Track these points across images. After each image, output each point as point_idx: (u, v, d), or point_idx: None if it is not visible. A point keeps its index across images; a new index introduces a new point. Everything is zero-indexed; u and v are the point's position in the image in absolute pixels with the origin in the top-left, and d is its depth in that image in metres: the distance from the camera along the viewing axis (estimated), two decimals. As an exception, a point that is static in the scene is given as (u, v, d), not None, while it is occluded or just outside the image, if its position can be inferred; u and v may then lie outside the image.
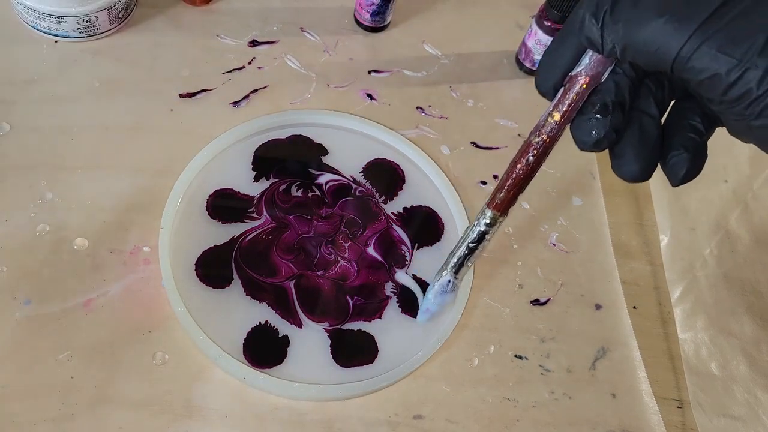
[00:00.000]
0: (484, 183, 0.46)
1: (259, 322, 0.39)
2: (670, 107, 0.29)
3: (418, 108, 0.49)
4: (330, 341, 0.39)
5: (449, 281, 0.36)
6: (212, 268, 0.40)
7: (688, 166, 0.28)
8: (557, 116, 0.28)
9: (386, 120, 0.47)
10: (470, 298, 0.41)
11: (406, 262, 0.42)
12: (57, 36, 0.46)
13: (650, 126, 0.28)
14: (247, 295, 0.40)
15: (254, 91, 0.47)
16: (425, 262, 0.42)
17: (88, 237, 0.40)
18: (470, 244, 0.34)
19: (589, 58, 0.27)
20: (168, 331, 0.38)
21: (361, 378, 0.38)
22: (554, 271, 0.44)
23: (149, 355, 0.37)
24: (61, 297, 0.38)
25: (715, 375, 0.42)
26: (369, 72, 0.50)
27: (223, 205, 0.42)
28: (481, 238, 0.34)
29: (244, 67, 0.48)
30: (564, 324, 0.42)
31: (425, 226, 0.44)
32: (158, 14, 0.49)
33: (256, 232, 0.41)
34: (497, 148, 0.48)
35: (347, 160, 0.45)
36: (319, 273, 0.41)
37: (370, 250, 0.42)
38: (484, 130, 0.49)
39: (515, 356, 0.41)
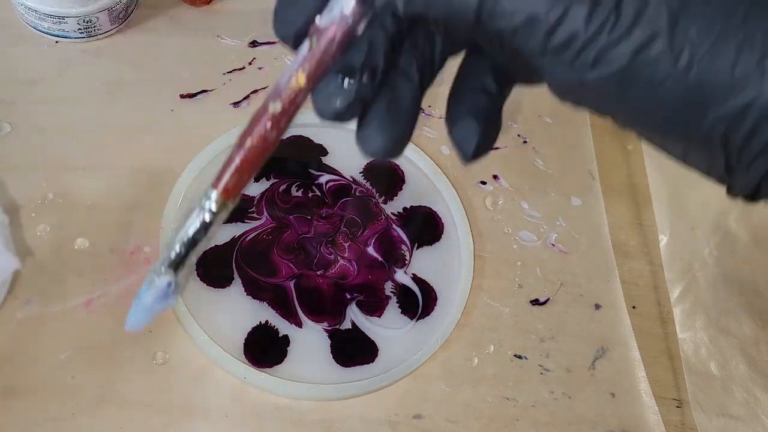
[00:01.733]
0: (484, 183, 0.46)
1: (260, 322, 0.39)
2: (459, 66, 0.24)
3: (418, 108, 0.49)
4: (330, 341, 0.39)
5: (170, 283, 0.27)
6: (213, 268, 0.40)
7: (478, 139, 0.23)
8: (302, 79, 0.22)
9: (386, 120, 0.47)
10: (470, 297, 0.41)
11: (406, 262, 0.42)
12: (58, 36, 0.46)
13: (404, 92, 0.22)
14: (247, 294, 0.40)
15: (255, 91, 0.47)
16: (425, 262, 0.43)
17: (89, 237, 0.40)
18: (194, 237, 0.26)
19: (341, 5, 0.21)
20: (168, 331, 0.38)
21: (361, 377, 0.38)
22: (554, 270, 0.44)
23: (150, 355, 0.37)
24: (61, 297, 0.38)
25: (714, 375, 0.42)
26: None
27: (224, 205, 0.42)
28: (206, 227, 0.26)
29: (244, 67, 0.48)
30: (563, 324, 0.42)
31: (425, 226, 0.44)
32: (159, 15, 0.49)
33: (257, 232, 0.42)
34: (497, 148, 0.48)
35: (347, 160, 0.45)
36: (318, 273, 0.41)
37: (370, 250, 0.42)
38: (483, 131, 0.49)
39: (515, 356, 0.41)
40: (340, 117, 0.22)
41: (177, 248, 0.26)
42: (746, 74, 0.18)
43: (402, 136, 0.23)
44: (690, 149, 0.22)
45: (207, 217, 0.25)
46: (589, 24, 0.18)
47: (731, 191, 0.21)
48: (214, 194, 0.25)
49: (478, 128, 0.23)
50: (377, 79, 0.22)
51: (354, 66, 0.21)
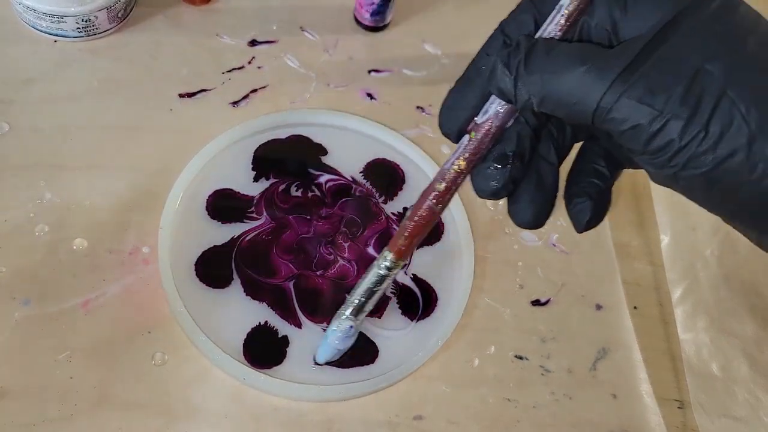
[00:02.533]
0: (485, 183, 0.46)
1: (259, 323, 0.39)
2: (578, 149, 0.29)
3: (418, 108, 0.49)
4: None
5: (351, 326, 0.36)
6: (212, 269, 0.40)
7: (590, 214, 0.27)
8: (463, 164, 0.27)
9: (386, 120, 0.47)
10: (470, 298, 0.41)
11: (407, 262, 0.42)
12: (56, 35, 0.46)
13: (547, 173, 0.28)
14: (246, 295, 0.39)
15: (254, 90, 0.47)
16: (425, 262, 0.42)
17: (87, 237, 0.40)
18: (372, 288, 0.34)
19: (496, 107, 0.26)
20: (167, 332, 0.38)
21: (361, 378, 0.38)
22: (555, 271, 0.44)
23: (148, 356, 0.37)
24: (60, 297, 0.38)
25: (716, 376, 0.41)
26: (369, 72, 0.50)
27: (223, 205, 0.42)
28: (380, 281, 0.34)
29: (243, 66, 0.48)
30: (565, 324, 0.42)
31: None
32: (157, 14, 0.49)
33: (256, 232, 0.41)
34: (498, 147, 0.48)
35: (347, 160, 0.45)
36: (318, 273, 0.41)
37: (370, 250, 0.42)
38: (484, 130, 0.49)
39: (516, 357, 0.41)
40: (496, 195, 0.27)
41: (358, 298, 0.35)
42: None
43: (548, 209, 0.28)
44: (763, 239, 0.25)
45: (383, 273, 0.33)
46: (682, 137, 0.22)
47: None
48: (390, 255, 0.32)
49: (591, 206, 0.28)
50: (525, 163, 0.27)
51: (507, 154, 0.26)
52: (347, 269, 0.41)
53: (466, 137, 0.27)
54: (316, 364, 0.38)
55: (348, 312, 0.35)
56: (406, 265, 0.33)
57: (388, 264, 0.33)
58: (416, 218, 0.30)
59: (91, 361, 0.37)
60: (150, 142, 0.44)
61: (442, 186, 0.28)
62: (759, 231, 0.25)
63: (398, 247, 0.32)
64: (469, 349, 0.40)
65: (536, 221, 0.27)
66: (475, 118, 0.27)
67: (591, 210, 0.27)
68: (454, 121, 0.28)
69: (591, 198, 0.28)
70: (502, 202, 0.46)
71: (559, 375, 0.40)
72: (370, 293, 0.34)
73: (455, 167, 0.28)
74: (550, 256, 0.44)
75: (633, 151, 0.24)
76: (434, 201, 0.29)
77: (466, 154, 0.27)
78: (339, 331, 0.36)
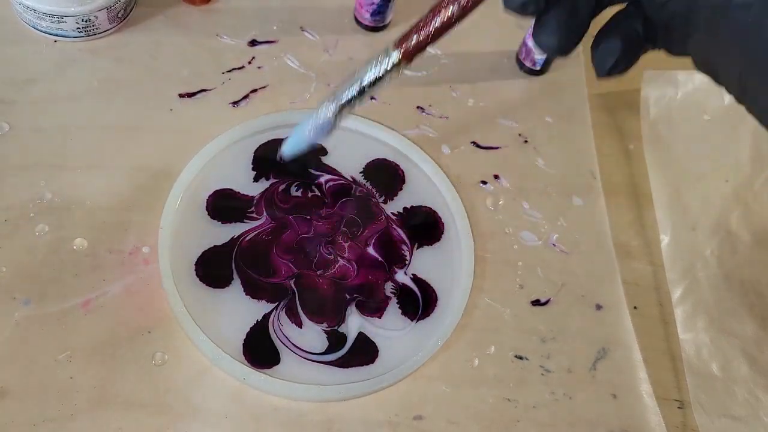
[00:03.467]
0: (485, 183, 0.46)
1: (259, 322, 0.39)
2: (618, 7, 0.28)
3: (418, 108, 0.49)
4: (329, 342, 0.39)
5: (329, 119, 0.31)
6: (212, 269, 0.40)
7: (618, 58, 0.27)
8: None
9: (386, 120, 0.47)
10: (470, 298, 0.41)
11: (406, 262, 0.42)
12: (56, 35, 0.46)
13: (582, 5, 0.27)
14: (246, 295, 0.39)
15: (254, 90, 0.47)
16: (425, 262, 0.42)
17: (88, 237, 0.40)
18: (365, 86, 0.30)
19: None
20: (167, 332, 0.38)
21: (361, 378, 0.38)
22: (555, 271, 0.44)
23: (149, 356, 0.37)
24: (60, 297, 0.38)
25: (716, 375, 0.41)
26: (369, 72, 0.50)
27: (223, 205, 0.42)
28: (376, 81, 0.30)
29: (243, 66, 0.48)
30: (564, 324, 0.42)
31: (425, 226, 0.44)
32: (158, 14, 0.49)
33: (256, 232, 0.41)
34: (498, 147, 0.48)
35: (347, 160, 0.45)
36: (318, 272, 0.41)
37: (370, 250, 0.42)
38: (484, 130, 0.49)
39: (516, 357, 0.41)
40: (524, 8, 0.26)
41: (348, 92, 0.30)
42: None
43: (575, 39, 0.27)
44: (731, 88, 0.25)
45: (381, 74, 0.29)
46: None
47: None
48: (395, 54, 0.29)
49: (621, 47, 0.27)
50: None
51: None
52: (347, 269, 0.41)
53: None
54: (281, 158, 0.35)
55: (335, 103, 0.31)
56: (404, 69, 0.29)
57: (391, 63, 0.29)
58: (436, 21, 0.27)
59: (92, 361, 0.37)
60: (150, 142, 0.44)
61: None
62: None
63: (407, 48, 0.28)
64: (469, 349, 0.40)
65: (560, 47, 0.27)
66: None
67: (618, 53, 0.27)
68: None
69: (622, 41, 0.27)
70: (503, 201, 0.46)
71: (558, 375, 0.40)
72: (361, 91, 0.31)
73: None
74: (550, 256, 0.44)
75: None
76: (458, 6, 0.27)
77: None
78: (318, 120, 0.32)
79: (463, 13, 0.27)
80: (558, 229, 0.45)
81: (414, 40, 0.28)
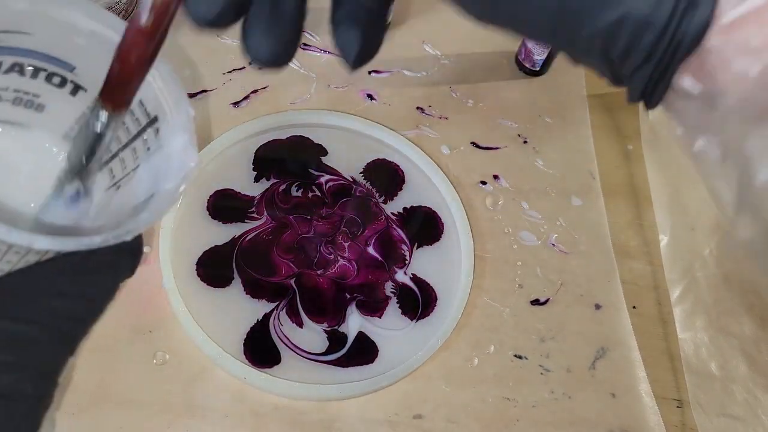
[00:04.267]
0: (484, 183, 0.46)
1: (259, 322, 0.39)
2: None
3: (418, 108, 0.49)
4: (329, 341, 0.39)
5: (78, 192, 0.27)
6: (213, 268, 0.40)
7: (360, 44, 0.23)
8: None
9: (386, 120, 0.47)
10: (470, 297, 0.41)
11: (406, 262, 0.42)
12: (57, 36, 0.46)
13: None
14: (247, 294, 0.40)
15: (254, 91, 0.47)
16: (425, 262, 0.43)
17: (89, 237, 0.40)
18: (88, 153, 0.26)
19: None
20: (168, 331, 0.38)
21: (361, 378, 0.38)
22: (554, 271, 0.44)
23: (149, 355, 0.37)
24: (61, 297, 0.38)
25: (714, 375, 0.42)
26: (369, 72, 0.50)
27: (224, 205, 0.42)
28: (98, 142, 0.26)
29: (244, 67, 0.48)
30: (564, 324, 0.42)
31: (425, 226, 0.44)
32: (158, 14, 0.49)
33: (257, 232, 0.41)
34: (497, 148, 0.48)
35: (347, 160, 0.45)
36: (318, 272, 0.41)
37: (370, 250, 0.42)
38: (484, 130, 0.49)
39: (515, 356, 0.41)
40: (216, 21, 0.21)
41: (72, 158, 0.27)
42: None
43: (291, 41, 0.23)
44: (579, 58, 0.22)
45: (98, 130, 0.26)
46: None
47: (628, 98, 0.22)
48: (101, 110, 0.25)
49: (359, 34, 0.23)
50: None
51: None
52: (347, 269, 0.41)
53: None
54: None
55: (68, 176, 0.27)
56: (118, 117, 0.26)
57: (102, 118, 0.26)
58: (120, 61, 0.24)
59: (92, 361, 0.37)
60: (151, 142, 0.44)
61: (149, 20, 0.23)
62: (569, 52, 0.22)
63: (105, 96, 0.25)
64: (468, 348, 0.41)
65: (273, 53, 0.23)
66: None
67: (359, 39, 0.23)
68: None
69: (358, 24, 0.23)
70: (502, 201, 0.46)
71: (558, 374, 0.41)
72: (80, 150, 0.27)
73: None
74: (549, 256, 0.44)
75: None
76: (143, 37, 0.24)
77: None
78: (64, 197, 0.28)
79: (154, 47, 0.25)
80: (557, 229, 0.46)
81: (109, 84, 0.25)
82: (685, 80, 0.20)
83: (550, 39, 0.21)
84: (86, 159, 0.27)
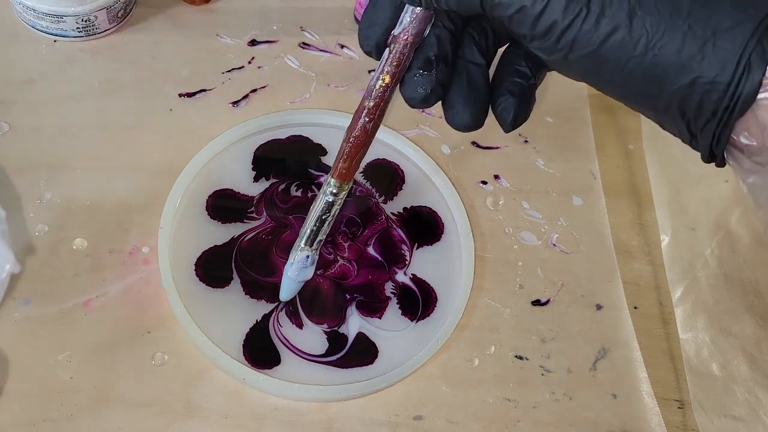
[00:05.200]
0: (485, 183, 0.46)
1: (259, 322, 0.39)
2: (498, 55, 0.30)
3: (418, 108, 0.49)
4: (329, 342, 0.39)
5: (307, 256, 0.36)
6: (212, 268, 0.40)
7: (515, 111, 0.29)
8: (387, 78, 0.29)
9: (386, 120, 0.47)
10: (470, 298, 0.41)
11: (406, 262, 0.42)
12: (56, 35, 0.46)
13: (477, 74, 0.29)
14: (246, 295, 0.39)
15: (254, 90, 0.47)
16: (425, 262, 0.42)
17: (88, 237, 0.40)
18: (321, 216, 0.35)
19: (409, 16, 0.27)
20: (167, 332, 0.38)
21: (361, 378, 0.38)
22: (555, 271, 0.44)
23: (149, 356, 0.37)
24: (60, 297, 0.38)
25: (716, 375, 0.41)
26: (369, 71, 0.50)
27: (223, 205, 0.42)
28: (329, 208, 0.35)
29: (243, 66, 0.48)
30: (564, 324, 0.42)
31: (425, 226, 0.44)
32: (158, 13, 0.49)
33: (256, 232, 0.41)
34: (498, 147, 0.48)
35: (347, 159, 0.45)
36: (318, 272, 0.41)
37: (370, 250, 0.42)
38: (484, 130, 0.48)
39: (516, 357, 0.41)
40: (426, 101, 0.28)
41: (310, 228, 0.35)
42: (690, 57, 0.24)
43: (484, 108, 0.29)
44: (660, 118, 0.26)
45: (330, 199, 0.34)
46: (565, 16, 0.24)
47: (702, 159, 0.27)
48: (333, 180, 0.33)
49: (514, 103, 0.29)
50: (449, 64, 0.28)
51: (430, 57, 0.28)
52: (347, 269, 0.41)
53: (387, 51, 0.28)
54: (281, 301, 0.39)
55: (303, 242, 0.36)
56: (348, 186, 0.34)
57: (333, 189, 0.34)
58: (351, 139, 0.31)
59: (92, 361, 0.37)
60: (150, 141, 0.44)
61: (371, 103, 0.30)
62: (653, 111, 0.26)
63: (339, 171, 0.33)
64: (469, 349, 0.40)
65: (475, 121, 0.29)
66: (393, 31, 0.28)
67: (514, 107, 0.29)
68: (372, 36, 0.29)
69: (513, 95, 0.28)
70: (503, 200, 0.46)
71: (559, 375, 0.40)
72: (320, 222, 0.35)
73: (381, 82, 0.29)
74: (550, 256, 0.44)
75: (524, 37, 0.25)
76: (367, 119, 0.30)
77: (389, 68, 0.28)
78: (297, 263, 0.37)
79: (368, 137, 0.31)
80: (558, 229, 0.45)
81: (340, 164, 0.32)
82: (743, 136, 0.25)
83: (640, 100, 0.26)
84: (317, 228, 0.35)
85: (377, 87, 0.29)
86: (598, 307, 0.43)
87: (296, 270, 0.37)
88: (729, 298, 0.44)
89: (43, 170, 0.42)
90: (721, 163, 0.27)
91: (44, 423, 0.35)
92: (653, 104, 0.26)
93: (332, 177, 0.33)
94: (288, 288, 0.38)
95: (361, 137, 0.31)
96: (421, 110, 0.30)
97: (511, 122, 0.29)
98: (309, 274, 0.37)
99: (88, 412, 0.35)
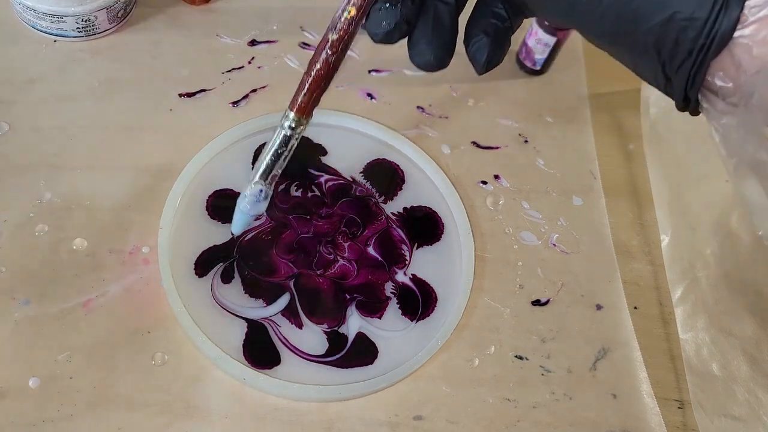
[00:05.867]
0: (485, 183, 0.46)
1: (259, 322, 0.39)
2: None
3: (418, 107, 0.49)
4: (329, 343, 0.39)
5: (261, 190, 0.34)
6: (212, 269, 0.40)
7: (489, 51, 0.28)
8: (353, 11, 0.28)
9: (386, 120, 0.47)
10: (470, 298, 0.41)
11: (406, 262, 0.42)
12: (56, 35, 0.46)
13: (444, 14, 0.28)
14: (246, 294, 0.39)
15: (254, 90, 0.47)
16: (425, 262, 0.42)
17: (87, 237, 0.40)
18: (278, 150, 0.33)
19: None
20: (167, 332, 0.38)
21: (361, 379, 0.38)
22: (555, 271, 0.44)
23: (149, 356, 0.37)
24: (60, 297, 0.38)
25: (716, 375, 0.41)
26: (369, 72, 0.50)
27: (223, 205, 0.42)
28: (286, 142, 0.33)
29: (243, 66, 0.48)
30: (564, 324, 0.42)
31: (425, 226, 0.44)
32: (157, 14, 0.49)
33: (256, 232, 0.41)
34: (498, 147, 0.48)
35: (347, 160, 0.45)
36: (318, 272, 0.41)
37: (370, 250, 0.42)
38: (484, 130, 0.49)
39: (516, 357, 0.41)
40: (389, 36, 0.27)
41: (266, 161, 0.33)
42: None
43: (448, 49, 0.28)
44: (636, 60, 0.26)
45: (287, 133, 0.32)
46: None
47: (677, 105, 0.27)
48: (291, 114, 0.32)
49: (488, 43, 0.28)
50: (416, 1, 0.27)
51: None
52: (347, 269, 0.41)
53: None
54: (233, 235, 0.38)
55: (258, 176, 0.34)
56: (306, 122, 0.32)
57: (291, 123, 0.32)
58: (313, 72, 0.30)
59: (92, 361, 0.37)
60: (150, 141, 0.44)
61: (335, 36, 0.29)
62: (629, 51, 0.26)
63: (299, 104, 0.31)
64: (468, 349, 0.40)
65: (438, 61, 0.28)
66: None
67: (488, 47, 0.28)
68: None
69: (488, 35, 0.28)
70: (503, 200, 0.46)
71: (559, 375, 0.40)
72: (276, 155, 0.33)
73: (346, 14, 0.28)
74: (549, 256, 0.44)
75: None
76: (330, 52, 0.29)
77: (354, 0, 0.28)
78: (250, 196, 0.35)
79: (330, 70, 0.30)
80: (558, 229, 0.45)
81: (300, 97, 0.31)
82: (717, 77, 0.25)
83: (616, 39, 0.26)
84: (273, 162, 0.33)
85: (342, 19, 0.28)
86: (598, 307, 0.43)
87: (249, 203, 0.35)
88: (729, 298, 0.44)
89: (43, 170, 0.42)
90: (694, 110, 0.26)
91: (44, 423, 0.35)
92: (630, 43, 0.26)
93: (290, 110, 0.32)
94: (240, 221, 0.36)
95: (323, 70, 0.30)
96: (388, 44, 0.29)
97: (485, 63, 0.29)
98: (262, 208, 0.35)
99: (88, 412, 0.35)
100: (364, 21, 0.28)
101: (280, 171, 0.34)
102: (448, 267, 0.43)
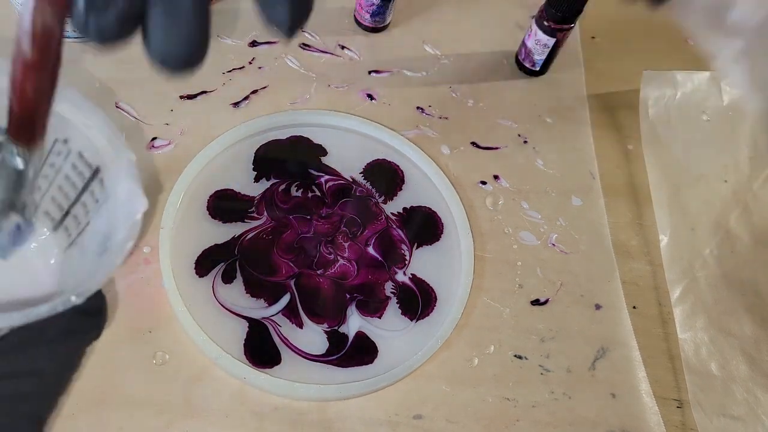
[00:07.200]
0: (484, 183, 0.46)
1: (260, 322, 0.39)
2: None
3: (418, 108, 0.49)
4: (329, 342, 0.39)
5: (18, 225, 0.28)
6: (213, 268, 0.40)
7: (290, 10, 0.23)
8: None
9: (386, 120, 0.47)
10: (470, 298, 0.41)
11: (406, 262, 0.42)
12: (57, 36, 0.46)
13: None
14: (247, 294, 0.40)
15: (254, 91, 0.47)
16: (425, 262, 0.43)
17: (89, 237, 0.40)
18: (14, 187, 0.27)
19: None
20: (168, 331, 0.38)
21: (361, 378, 0.38)
22: (554, 271, 0.44)
23: (150, 355, 0.37)
24: (61, 297, 0.38)
25: (714, 375, 0.42)
26: (369, 72, 0.50)
27: (224, 205, 0.42)
28: (21, 177, 0.26)
29: (244, 67, 0.48)
30: (564, 324, 0.42)
31: (425, 226, 0.44)
32: (158, 14, 0.49)
33: (256, 232, 0.41)
34: (497, 148, 0.48)
35: (347, 160, 0.45)
36: (318, 272, 0.41)
37: (370, 250, 0.42)
38: (484, 130, 0.49)
39: (515, 356, 0.41)
40: (108, 37, 0.20)
41: (6, 195, 0.27)
42: None
43: (193, 37, 0.21)
44: None
45: (17, 163, 0.25)
46: None
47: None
48: (13, 146, 0.25)
49: (288, 3, 0.22)
50: None
51: None
52: (347, 268, 0.41)
53: None
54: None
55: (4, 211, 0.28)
56: (39, 149, 0.25)
57: (16, 152, 0.25)
58: (17, 97, 0.23)
59: (92, 361, 0.37)
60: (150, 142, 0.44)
61: (33, 51, 0.21)
62: None
63: (14, 132, 0.24)
64: (468, 348, 0.41)
65: (181, 54, 0.21)
66: None
67: (288, 6, 0.23)
68: None
69: None
70: (502, 201, 0.46)
71: (558, 374, 0.41)
72: (16, 190, 0.27)
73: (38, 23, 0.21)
74: (549, 256, 0.44)
75: None
76: (32, 70, 0.22)
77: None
78: (8, 234, 0.29)
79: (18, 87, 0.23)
80: (557, 229, 0.46)
81: (14, 120, 0.24)
82: None
83: None
84: (13, 194, 0.26)
85: (35, 26, 0.21)
86: (597, 306, 0.43)
87: (11, 242, 0.29)
88: (728, 298, 0.44)
89: (44, 170, 0.42)
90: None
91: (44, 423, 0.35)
92: None
93: (9, 139, 0.25)
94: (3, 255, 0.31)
95: (24, 101, 0.23)
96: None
97: (290, 25, 0.23)
98: (28, 237, 0.29)
99: (89, 412, 0.35)
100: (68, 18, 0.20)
101: (27, 198, 0.27)
102: (447, 267, 0.43)
